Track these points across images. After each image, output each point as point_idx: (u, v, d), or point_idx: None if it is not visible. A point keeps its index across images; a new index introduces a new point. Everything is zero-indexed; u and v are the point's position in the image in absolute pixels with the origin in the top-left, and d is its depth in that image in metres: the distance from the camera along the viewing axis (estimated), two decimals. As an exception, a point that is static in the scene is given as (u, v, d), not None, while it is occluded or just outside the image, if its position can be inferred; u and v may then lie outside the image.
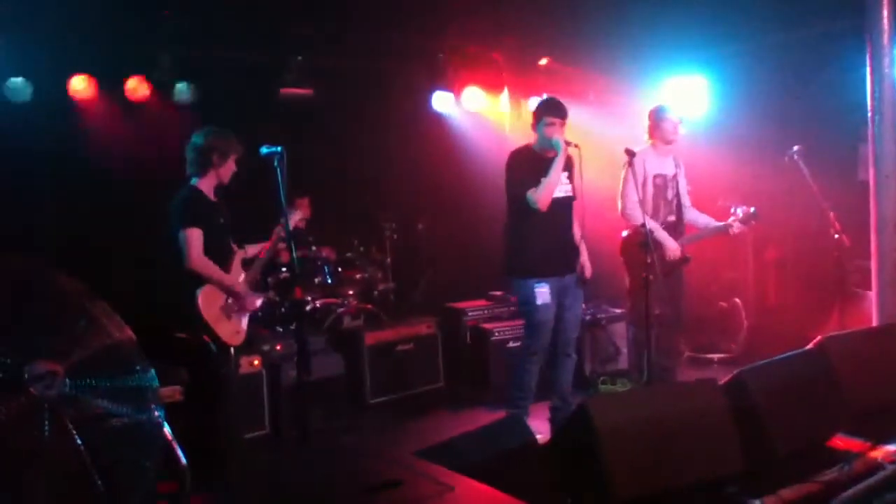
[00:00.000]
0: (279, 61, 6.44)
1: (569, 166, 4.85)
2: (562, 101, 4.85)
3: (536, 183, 4.68)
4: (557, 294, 4.82)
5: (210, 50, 6.11)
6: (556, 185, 4.71)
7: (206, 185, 4.30)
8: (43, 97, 5.55)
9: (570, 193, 4.88)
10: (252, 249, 4.53)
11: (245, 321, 4.37)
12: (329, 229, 6.68)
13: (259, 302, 4.51)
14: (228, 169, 4.32)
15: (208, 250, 4.19)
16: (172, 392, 3.83)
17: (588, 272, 4.99)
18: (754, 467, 3.49)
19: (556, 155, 4.68)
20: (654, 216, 5.26)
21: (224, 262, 4.30)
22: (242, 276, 4.40)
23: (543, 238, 4.76)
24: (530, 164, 4.77)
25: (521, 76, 7.44)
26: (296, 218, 4.61)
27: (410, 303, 7.36)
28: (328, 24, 6.31)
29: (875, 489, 3.43)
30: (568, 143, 4.67)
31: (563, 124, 4.75)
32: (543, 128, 4.74)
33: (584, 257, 4.99)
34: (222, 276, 4.24)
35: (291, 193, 6.19)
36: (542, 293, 4.73)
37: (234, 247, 4.44)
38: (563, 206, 4.84)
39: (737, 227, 5.27)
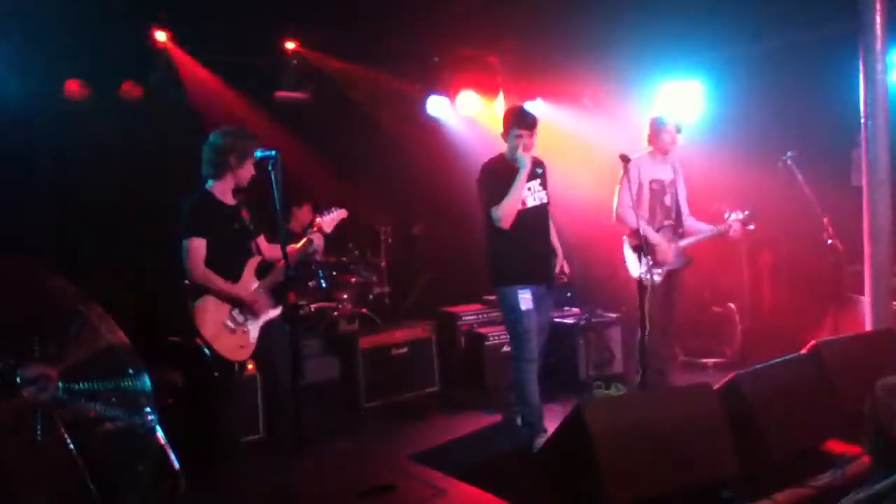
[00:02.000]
0: (275, 64, 6.44)
1: (539, 173, 4.82)
2: (529, 109, 4.80)
3: (506, 195, 4.63)
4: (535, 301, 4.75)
5: (206, 53, 6.11)
6: (517, 202, 4.65)
7: (222, 188, 4.08)
8: (40, 99, 5.54)
9: (545, 200, 4.84)
10: (270, 252, 4.28)
11: (254, 335, 4.10)
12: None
13: (274, 312, 4.20)
14: (247, 171, 4.08)
15: (218, 259, 3.97)
16: (165, 396, 3.80)
17: (567, 270, 4.95)
18: (749, 471, 3.50)
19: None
20: (651, 220, 5.27)
21: (237, 269, 4.08)
22: (256, 284, 4.14)
23: (522, 247, 4.70)
24: (502, 175, 4.69)
25: (517, 80, 7.45)
26: (340, 216, 4.41)
27: (405, 307, 7.36)
28: (324, 28, 6.32)
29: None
30: (534, 159, 4.64)
31: (531, 135, 4.69)
32: (513, 139, 4.68)
33: (561, 259, 4.95)
34: (227, 287, 3.99)
35: (292, 201, 6.24)
36: (526, 299, 4.67)
37: (254, 249, 4.21)
38: (538, 215, 4.79)
39: (736, 227, 5.28)
